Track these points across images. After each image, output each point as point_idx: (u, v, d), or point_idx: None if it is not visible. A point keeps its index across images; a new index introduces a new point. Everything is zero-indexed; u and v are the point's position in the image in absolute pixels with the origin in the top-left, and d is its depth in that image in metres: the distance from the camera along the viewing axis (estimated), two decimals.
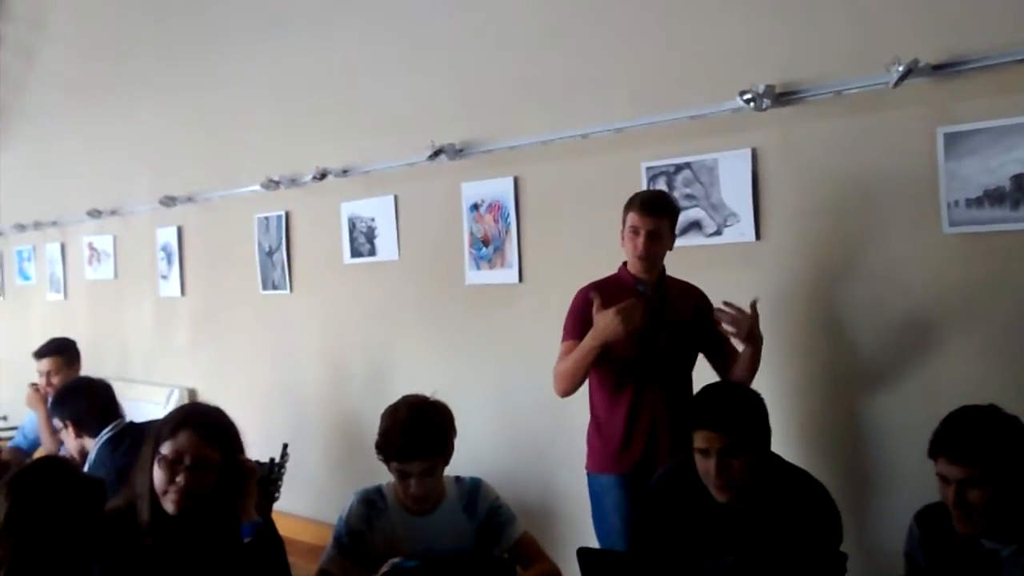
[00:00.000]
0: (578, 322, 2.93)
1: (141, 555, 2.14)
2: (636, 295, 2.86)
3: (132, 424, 3.30)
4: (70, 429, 3.26)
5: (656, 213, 2.86)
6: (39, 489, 1.83)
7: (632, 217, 2.87)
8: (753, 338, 2.77)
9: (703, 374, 2.89)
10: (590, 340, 2.78)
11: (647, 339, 2.82)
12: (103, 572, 2.10)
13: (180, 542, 2.18)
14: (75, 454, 3.29)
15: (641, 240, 2.85)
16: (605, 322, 2.71)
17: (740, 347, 2.83)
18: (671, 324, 2.88)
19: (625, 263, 2.95)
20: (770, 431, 2.31)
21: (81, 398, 3.31)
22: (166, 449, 2.18)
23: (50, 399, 3.36)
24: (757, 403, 2.31)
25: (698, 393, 2.40)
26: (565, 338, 2.95)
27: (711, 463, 2.21)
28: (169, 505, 2.18)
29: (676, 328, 2.88)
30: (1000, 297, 2.74)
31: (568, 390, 2.90)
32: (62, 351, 4.36)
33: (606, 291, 2.90)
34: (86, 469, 3.15)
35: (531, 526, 2.61)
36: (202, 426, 2.23)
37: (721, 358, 2.96)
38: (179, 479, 2.17)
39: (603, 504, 2.93)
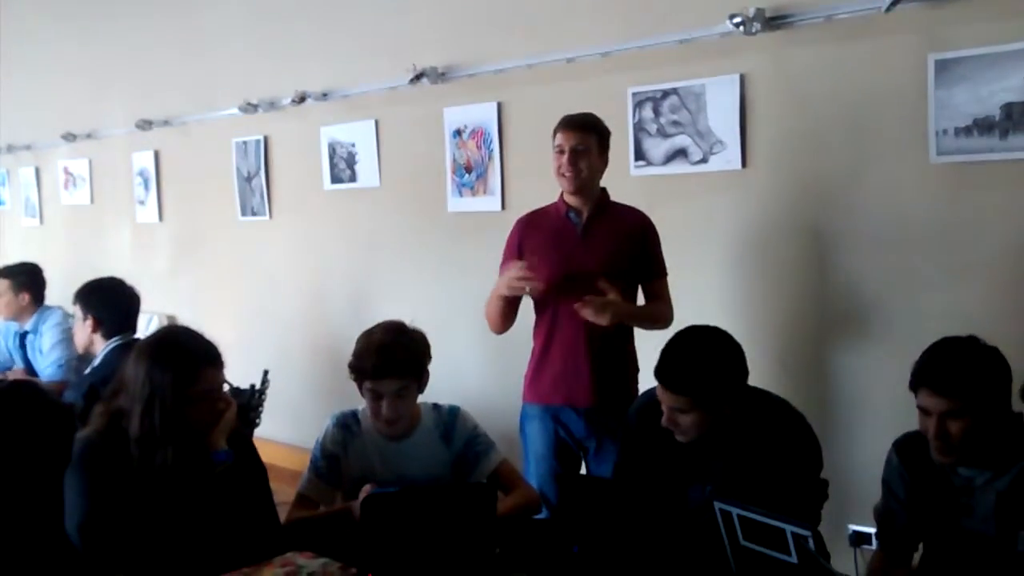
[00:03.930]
0: (507, 258, 2.94)
1: (126, 474, 2.14)
2: (567, 224, 2.86)
3: (137, 340, 3.31)
4: (89, 322, 3.29)
5: (580, 129, 2.80)
6: (6, 414, 1.80)
7: (557, 136, 2.83)
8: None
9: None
10: (495, 290, 2.82)
11: (571, 269, 2.78)
12: (87, 488, 2.10)
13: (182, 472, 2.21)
14: (81, 347, 3.39)
15: (566, 157, 2.78)
16: (503, 279, 2.75)
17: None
18: (601, 254, 2.80)
19: (563, 193, 2.89)
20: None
21: (111, 300, 3.34)
22: (197, 389, 2.20)
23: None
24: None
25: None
26: (501, 273, 2.95)
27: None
28: (221, 440, 2.25)
29: (606, 258, 2.79)
30: (985, 228, 2.73)
31: (496, 331, 2.95)
32: (12, 275, 4.35)
33: (536, 221, 2.93)
34: (95, 364, 3.25)
35: (512, 454, 2.61)
36: (214, 356, 2.28)
37: (648, 292, 2.93)
38: (226, 413, 2.27)
39: (524, 432, 2.96)
